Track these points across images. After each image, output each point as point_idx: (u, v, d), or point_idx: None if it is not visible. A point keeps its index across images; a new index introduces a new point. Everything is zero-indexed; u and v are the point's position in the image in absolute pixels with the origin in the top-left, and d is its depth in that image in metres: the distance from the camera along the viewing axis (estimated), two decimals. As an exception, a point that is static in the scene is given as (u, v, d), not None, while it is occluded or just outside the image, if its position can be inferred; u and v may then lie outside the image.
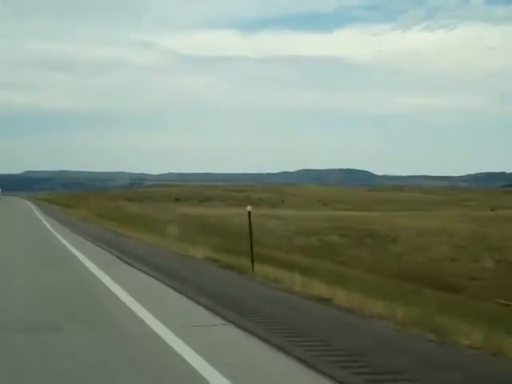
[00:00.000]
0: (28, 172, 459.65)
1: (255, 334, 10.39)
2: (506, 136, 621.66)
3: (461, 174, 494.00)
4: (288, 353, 9.15)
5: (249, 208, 20.84)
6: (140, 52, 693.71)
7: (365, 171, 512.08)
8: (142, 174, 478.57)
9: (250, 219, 20.73)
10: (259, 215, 76.14)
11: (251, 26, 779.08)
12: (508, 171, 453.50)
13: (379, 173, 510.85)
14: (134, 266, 20.68)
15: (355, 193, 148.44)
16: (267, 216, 74.23)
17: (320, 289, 15.20)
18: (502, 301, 29.17)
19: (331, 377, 7.98)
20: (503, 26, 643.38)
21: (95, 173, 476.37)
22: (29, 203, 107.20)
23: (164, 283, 16.54)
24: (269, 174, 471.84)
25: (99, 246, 29.02)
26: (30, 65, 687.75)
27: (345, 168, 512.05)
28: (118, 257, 24.02)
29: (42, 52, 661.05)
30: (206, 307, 12.87)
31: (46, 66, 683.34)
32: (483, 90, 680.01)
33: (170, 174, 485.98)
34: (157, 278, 17.43)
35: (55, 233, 37.45)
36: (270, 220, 69.28)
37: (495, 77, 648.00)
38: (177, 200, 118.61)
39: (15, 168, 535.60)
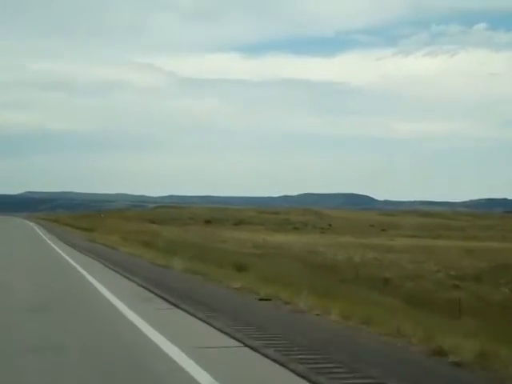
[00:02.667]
0: (28, 192, 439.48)
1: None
2: (508, 162, 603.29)
3: (462, 200, 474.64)
4: None
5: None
6: (141, 74, 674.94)
7: (366, 196, 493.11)
8: (143, 196, 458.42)
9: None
10: (344, 245, 54.64)
11: (253, 49, 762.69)
12: (509, 197, 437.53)
13: (380, 198, 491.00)
14: None
15: (398, 217, 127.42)
16: (356, 245, 52.86)
17: None
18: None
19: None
20: (505, 53, 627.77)
21: (95, 194, 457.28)
22: (32, 225, 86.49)
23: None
24: (270, 198, 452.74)
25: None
26: (31, 85, 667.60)
27: (346, 192, 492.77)
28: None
29: (43, 72, 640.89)
30: None
31: (46, 86, 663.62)
32: (485, 115, 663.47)
33: (170, 196, 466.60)
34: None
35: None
36: (375, 253, 47.70)
37: (497, 103, 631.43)
38: (207, 222, 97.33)
39: (15, 188, 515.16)
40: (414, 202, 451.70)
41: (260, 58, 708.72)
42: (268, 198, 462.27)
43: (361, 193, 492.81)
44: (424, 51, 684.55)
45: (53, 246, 35.50)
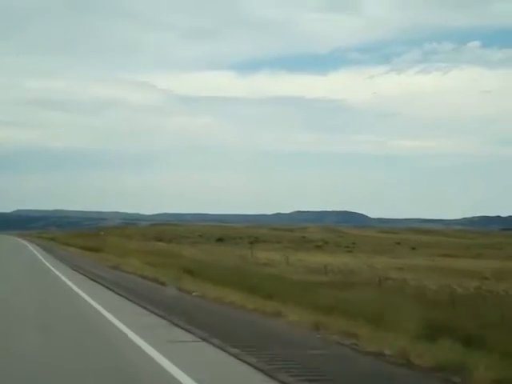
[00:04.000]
0: (19, 210, 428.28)
1: None
2: (501, 180, 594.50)
3: (455, 218, 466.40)
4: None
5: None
6: (136, 92, 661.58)
7: (359, 214, 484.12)
8: (136, 214, 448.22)
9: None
10: (397, 267, 44.68)
11: (247, 67, 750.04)
12: (503, 215, 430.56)
13: (374, 215, 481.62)
14: None
15: (419, 235, 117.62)
16: (410, 268, 43.03)
17: None
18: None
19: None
20: (498, 70, 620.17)
21: (88, 212, 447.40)
22: (27, 244, 76.02)
23: None
24: (263, 216, 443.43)
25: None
26: (25, 103, 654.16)
27: (339, 210, 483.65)
28: None
29: (38, 90, 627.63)
30: None
31: (40, 104, 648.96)
32: (478, 133, 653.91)
33: (163, 214, 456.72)
34: None
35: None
36: (455, 278, 37.58)
37: (490, 120, 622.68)
38: (219, 240, 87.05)
39: (6, 206, 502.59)
40: (409, 219, 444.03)
41: (255, 75, 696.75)
42: (261, 215, 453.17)
43: (354, 210, 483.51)
44: (417, 69, 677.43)
45: (61, 277, 25.08)
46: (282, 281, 27.31)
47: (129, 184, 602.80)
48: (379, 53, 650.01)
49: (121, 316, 14.96)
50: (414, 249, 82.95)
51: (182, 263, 35.15)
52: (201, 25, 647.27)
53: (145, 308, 16.76)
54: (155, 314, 15.64)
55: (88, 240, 78.03)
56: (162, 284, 22.47)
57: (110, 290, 20.87)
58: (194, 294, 20.70)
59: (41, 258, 41.48)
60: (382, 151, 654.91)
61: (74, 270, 28.59)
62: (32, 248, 58.43)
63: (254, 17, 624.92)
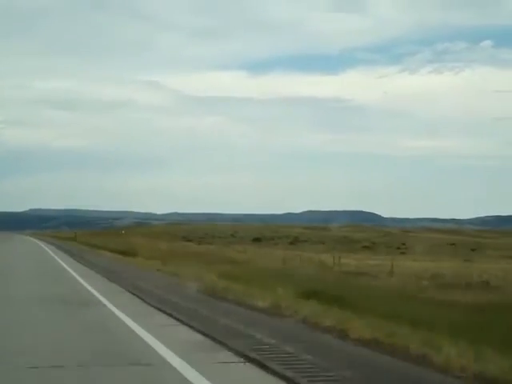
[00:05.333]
0: (33, 210, 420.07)
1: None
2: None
3: (468, 217, 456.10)
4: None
5: None
6: (146, 92, 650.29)
7: (372, 213, 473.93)
8: (148, 213, 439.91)
9: None
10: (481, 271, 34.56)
11: (257, 67, 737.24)
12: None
13: (386, 215, 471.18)
14: None
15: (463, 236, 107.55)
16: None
17: None
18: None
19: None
20: (510, 70, 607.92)
21: (100, 212, 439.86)
22: (43, 246, 65.90)
23: None
24: (273, 215, 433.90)
25: None
26: (37, 103, 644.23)
27: (351, 210, 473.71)
28: None
29: (49, 90, 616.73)
30: None
31: (52, 104, 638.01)
32: (490, 133, 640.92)
33: (175, 213, 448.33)
34: None
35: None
36: None
37: (502, 120, 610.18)
38: (256, 240, 77.01)
39: (20, 206, 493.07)
40: (421, 219, 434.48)
41: (264, 75, 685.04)
42: (272, 215, 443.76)
43: (366, 210, 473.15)
44: (429, 68, 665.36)
45: (146, 337, 11.63)
46: (452, 309, 17.34)
47: (140, 184, 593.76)
48: (391, 52, 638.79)
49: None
50: (473, 250, 72.85)
51: (263, 275, 25.32)
52: (212, 25, 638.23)
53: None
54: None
55: (112, 240, 68.23)
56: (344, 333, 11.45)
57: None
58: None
59: (73, 273, 28.68)
60: (393, 151, 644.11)
61: (143, 299, 17.63)
62: (53, 253, 47.46)
63: (265, 17, 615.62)
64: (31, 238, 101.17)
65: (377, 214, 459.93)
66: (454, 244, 79.53)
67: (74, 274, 28.14)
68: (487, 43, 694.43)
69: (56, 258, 40.97)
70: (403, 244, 78.49)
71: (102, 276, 26.40)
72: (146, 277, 24.82)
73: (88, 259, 36.92)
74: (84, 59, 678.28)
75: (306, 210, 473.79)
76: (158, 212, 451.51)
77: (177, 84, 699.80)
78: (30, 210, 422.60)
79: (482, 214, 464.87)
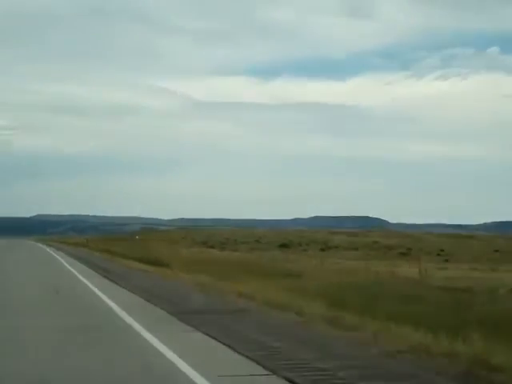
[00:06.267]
0: (39, 215, 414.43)
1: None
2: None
3: (476, 223, 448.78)
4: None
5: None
6: (154, 97, 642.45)
7: (379, 219, 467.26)
8: (155, 218, 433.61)
9: None
10: None
11: (266, 72, 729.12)
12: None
13: (393, 221, 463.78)
14: None
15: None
16: None
17: None
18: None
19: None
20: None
21: (107, 217, 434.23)
22: (53, 254, 59.11)
23: None
24: (281, 221, 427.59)
25: None
26: (43, 108, 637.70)
27: (358, 215, 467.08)
28: None
29: (55, 96, 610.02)
30: None
31: (58, 110, 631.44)
32: (497, 138, 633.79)
33: (181, 219, 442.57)
34: None
35: None
36: None
37: (510, 125, 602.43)
38: (283, 246, 70.54)
39: (27, 211, 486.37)
40: (429, 225, 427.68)
41: (273, 81, 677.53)
42: (280, 220, 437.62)
43: (373, 215, 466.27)
44: (436, 74, 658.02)
45: None
46: None
47: (146, 189, 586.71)
48: (398, 58, 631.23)
49: None
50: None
51: (354, 295, 18.85)
52: (218, 29, 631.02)
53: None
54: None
55: (129, 247, 61.66)
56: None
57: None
58: None
59: (108, 300, 20.40)
60: (401, 156, 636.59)
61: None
62: (69, 265, 39.72)
63: (272, 22, 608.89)
64: (39, 245, 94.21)
65: (383, 220, 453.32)
66: (497, 250, 72.88)
67: (109, 302, 19.76)
68: (494, 49, 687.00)
69: (74, 272, 33.41)
70: (442, 250, 71.94)
71: (156, 306, 18.70)
72: (228, 306, 17.80)
73: (116, 273, 29.79)
74: (91, 64, 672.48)
75: (313, 215, 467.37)
76: (165, 217, 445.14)
77: (186, 89, 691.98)
78: (37, 215, 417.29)
79: (489, 220, 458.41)
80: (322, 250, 69.14)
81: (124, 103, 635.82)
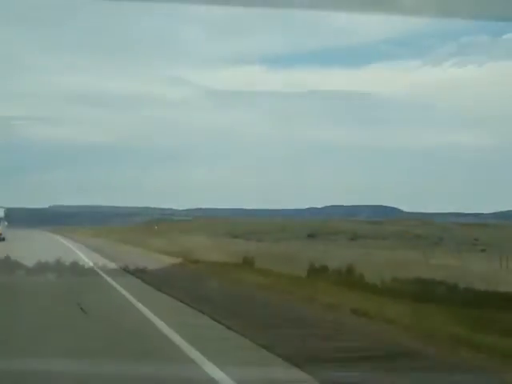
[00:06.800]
0: (54, 206, 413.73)
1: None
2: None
3: (490, 212, 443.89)
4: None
5: None
6: (168, 87, 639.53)
7: (393, 208, 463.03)
8: (170, 209, 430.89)
9: None
10: None
11: (279, 61, 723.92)
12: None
13: (407, 209, 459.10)
14: None
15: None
16: None
17: None
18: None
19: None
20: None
21: (121, 207, 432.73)
22: (103, 260, 39.26)
23: None
24: (296, 210, 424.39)
25: None
26: (58, 99, 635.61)
27: (372, 204, 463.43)
28: None
29: (70, 86, 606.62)
30: None
31: (72, 100, 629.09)
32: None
33: (198, 209, 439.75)
34: None
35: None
36: None
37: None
38: (311, 236, 68.10)
39: (41, 202, 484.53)
40: (443, 213, 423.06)
41: (286, 69, 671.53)
42: (294, 210, 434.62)
43: (387, 204, 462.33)
44: (452, 61, 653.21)
45: None
46: None
47: (160, 179, 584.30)
48: (414, 46, 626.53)
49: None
50: None
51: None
52: (232, 18, 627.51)
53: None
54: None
55: (159, 240, 59.14)
56: None
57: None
58: None
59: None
60: (415, 144, 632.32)
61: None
62: (106, 274, 25.10)
63: (285, 10, 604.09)
64: (57, 237, 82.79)
65: (398, 209, 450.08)
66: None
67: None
68: (510, 36, 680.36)
69: (122, 291, 20.07)
70: (476, 240, 69.19)
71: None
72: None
73: (177, 285, 21.47)
74: (105, 54, 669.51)
75: (328, 204, 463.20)
76: (179, 207, 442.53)
77: (199, 79, 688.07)
78: (52, 206, 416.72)
79: (505, 208, 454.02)
80: (352, 239, 66.53)
81: (139, 93, 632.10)
